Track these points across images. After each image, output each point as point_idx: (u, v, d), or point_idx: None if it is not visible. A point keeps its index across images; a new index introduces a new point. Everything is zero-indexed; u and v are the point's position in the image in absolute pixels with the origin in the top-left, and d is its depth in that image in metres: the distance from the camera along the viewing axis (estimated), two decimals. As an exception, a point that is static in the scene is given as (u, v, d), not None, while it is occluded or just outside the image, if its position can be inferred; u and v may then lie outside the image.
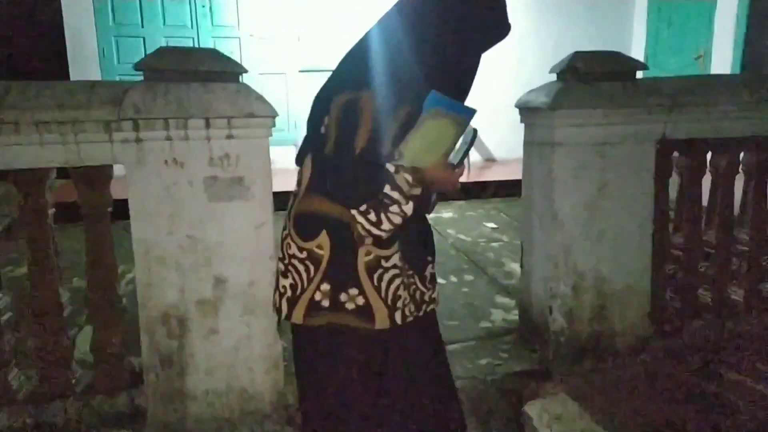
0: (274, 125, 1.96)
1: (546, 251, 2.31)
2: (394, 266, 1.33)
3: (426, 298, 1.42)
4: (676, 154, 2.44)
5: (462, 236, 4.37)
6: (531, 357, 2.41)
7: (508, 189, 5.89)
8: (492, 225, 4.70)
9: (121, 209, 1.94)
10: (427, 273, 1.44)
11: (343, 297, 1.30)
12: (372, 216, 1.23)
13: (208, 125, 1.86)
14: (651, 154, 2.30)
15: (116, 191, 1.96)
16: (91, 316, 1.98)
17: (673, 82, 2.33)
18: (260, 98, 1.92)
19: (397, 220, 1.25)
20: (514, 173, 6.51)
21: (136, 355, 2.01)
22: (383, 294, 1.31)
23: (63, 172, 1.91)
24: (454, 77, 1.35)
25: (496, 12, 1.34)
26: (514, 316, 2.81)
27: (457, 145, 1.34)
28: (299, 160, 1.46)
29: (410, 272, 1.38)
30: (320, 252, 1.31)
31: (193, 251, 1.93)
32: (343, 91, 1.29)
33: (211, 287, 1.96)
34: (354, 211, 1.24)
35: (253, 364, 2.02)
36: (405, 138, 1.23)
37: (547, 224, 2.28)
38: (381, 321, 1.32)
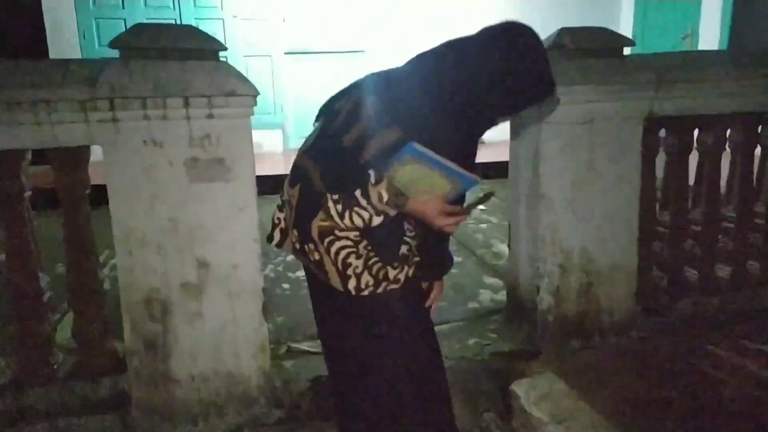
0: (255, 104, 1.91)
1: (533, 230, 2.29)
2: (347, 238, 1.35)
3: (390, 276, 1.38)
4: (663, 132, 2.43)
5: (450, 218, 4.35)
6: (519, 336, 2.41)
7: (497, 171, 5.86)
8: (480, 206, 4.69)
9: (105, 194, 1.89)
10: (399, 251, 1.41)
11: (306, 247, 1.39)
12: (339, 207, 1.30)
13: (186, 104, 1.82)
14: (638, 131, 2.28)
15: (99, 176, 1.91)
16: (71, 301, 1.94)
17: (661, 59, 2.31)
18: (240, 76, 1.87)
19: (359, 222, 1.30)
20: (503, 155, 6.50)
21: (119, 340, 1.98)
22: (332, 257, 1.36)
23: (43, 158, 1.87)
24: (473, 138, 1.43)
25: (545, 84, 1.36)
26: (502, 296, 2.80)
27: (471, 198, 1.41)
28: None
29: (368, 246, 1.36)
30: (293, 200, 1.42)
31: (175, 234, 1.89)
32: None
33: (194, 270, 1.93)
34: (328, 194, 1.31)
35: (238, 347, 2.00)
36: (401, 161, 1.26)
37: (534, 203, 2.26)
38: (334, 281, 1.38)
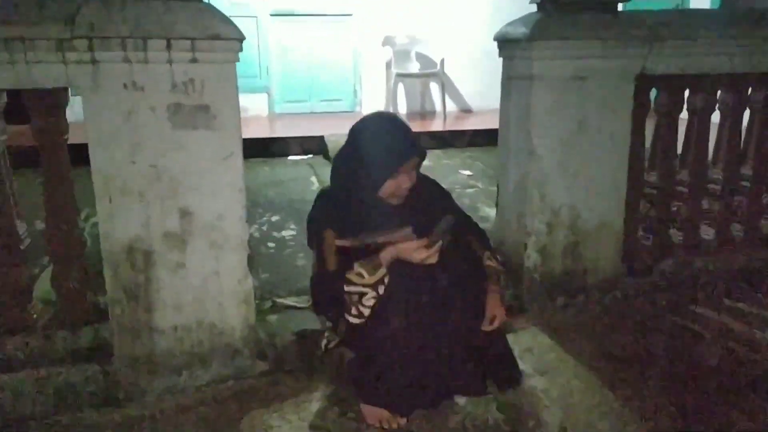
0: (241, 50, 1.85)
1: (522, 188, 2.28)
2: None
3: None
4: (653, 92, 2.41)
5: (437, 183, 4.34)
6: (504, 294, 2.41)
7: (483, 138, 5.85)
8: (467, 172, 4.68)
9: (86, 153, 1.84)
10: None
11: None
12: (354, 311, 1.65)
13: (169, 47, 1.75)
14: (630, 90, 2.26)
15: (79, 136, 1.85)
16: (50, 250, 1.90)
17: (656, 15, 2.28)
18: (225, 19, 1.80)
19: (372, 302, 1.64)
20: (489, 123, 6.47)
21: (101, 293, 1.94)
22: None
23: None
24: None
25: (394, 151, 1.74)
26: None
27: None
28: None
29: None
30: None
31: (158, 182, 1.84)
32: None
33: (177, 220, 1.88)
34: (346, 316, 1.67)
35: (223, 299, 1.98)
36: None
37: (524, 160, 2.25)
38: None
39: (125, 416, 1.84)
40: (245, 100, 6.30)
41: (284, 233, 3.14)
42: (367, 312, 1.64)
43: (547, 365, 1.99)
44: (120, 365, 1.92)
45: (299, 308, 2.28)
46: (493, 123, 6.37)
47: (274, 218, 3.40)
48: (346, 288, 1.64)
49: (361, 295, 1.64)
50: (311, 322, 2.12)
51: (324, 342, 1.87)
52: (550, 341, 2.13)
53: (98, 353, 1.93)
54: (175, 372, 1.96)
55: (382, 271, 1.65)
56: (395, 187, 1.72)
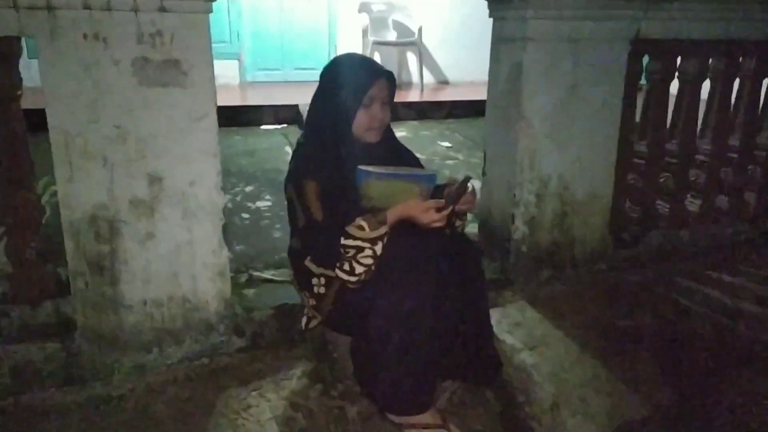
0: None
1: (511, 156, 2.19)
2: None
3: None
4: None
5: (417, 154, 4.22)
6: (491, 267, 2.33)
7: (462, 110, 5.76)
8: (446, 144, 4.58)
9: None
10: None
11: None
12: (345, 266, 1.52)
13: (134, -8, 1.58)
14: (624, 55, 2.18)
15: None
16: (4, 219, 1.73)
17: (652, -24, 2.18)
18: (197, -36, 1.64)
19: (368, 261, 1.50)
20: (468, 95, 6.38)
21: (61, 265, 1.79)
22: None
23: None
24: None
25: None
26: (472, 228, 2.72)
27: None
28: None
29: None
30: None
31: (123, 144, 1.68)
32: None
33: (145, 186, 1.74)
34: (336, 270, 1.54)
35: (196, 271, 1.84)
36: (362, 193, 1.55)
37: (514, 126, 2.15)
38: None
39: (90, 396, 1.71)
40: (215, 67, 6.04)
41: (259, 204, 3.00)
42: (360, 270, 1.50)
43: (536, 339, 1.93)
44: (83, 342, 1.78)
45: (277, 282, 2.16)
46: (471, 95, 6.28)
47: (248, 188, 3.25)
48: (343, 240, 1.50)
49: (358, 250, 1.50)
50: (290, 296, 2.01)
51: (304, 321, 1.76)
52: (538, 315, 2.07)
53: (60, 330, 1.79)
54: (144, 349, 1.84)
55: (384, 228, 1.50)
56: (368, 118, 1.60)
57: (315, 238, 1.59)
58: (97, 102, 1.64)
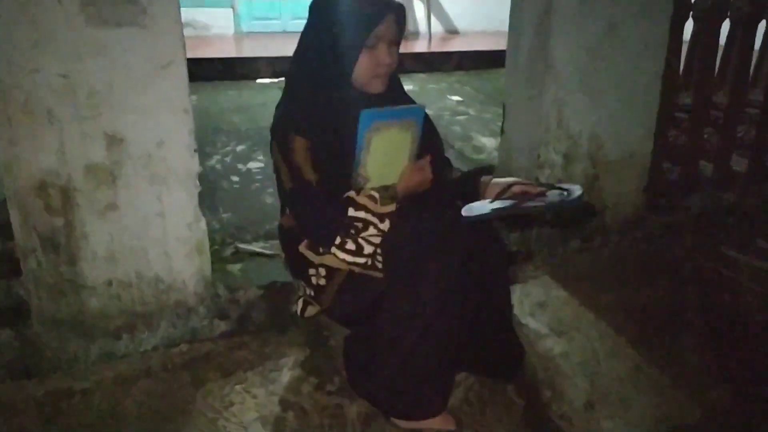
0: None
1: (535, 110, 1.88)
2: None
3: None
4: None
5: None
6: (510, 237, 2.06)
7: (471, 61, 5.37)
8: (457, 98, 4.24)
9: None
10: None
11: None
12: (350, 245, 1.28)
13: None
14: (670, -12, 1.84)
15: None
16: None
17: None
18: None
19: (377, 240, 1.27)
20: (477, 45, 5.96)
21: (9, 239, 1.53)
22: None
23: None
24: None
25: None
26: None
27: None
28: None
29: None
30: None
31: (72, 97, 1.40)
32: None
33: (103, 148, 1.46)
34: (334, 249, 1.29)
35: (168, 247, 1.59)
36: (360, 161, 1.27)
37: (540, 75, 1.84)
38: None
39: (50, 390, 1.48)
40: (207, 16, 5.66)
41: (251, 165, 2.72)
42: (369, 250, 1.28)
43: (564, 323, 1.68)
44: (41, 329, 1.54)
45: (267, 255, 1.90)
46: (482, 45, 5.87)
47: (240, 148, 2.96)
48: (352, 212, 1.26)
49: (365, 226, 1.26)
50: (281, 272, 1.76)
51: (299, 306, 1.50)
52: (565, 293, 1.81)
53: (12, 315, 1.55)
54: (112, 336, 1.60)
55: (395, 205, 1.28)
56: (373, 64, 1.29)
57: (309, 205, 1.32)
58: (38, 46, 1.35)
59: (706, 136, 2.19)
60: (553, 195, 1.27)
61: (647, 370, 1.49)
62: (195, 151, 1.56)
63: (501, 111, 2.10)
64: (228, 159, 2.80)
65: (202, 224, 1.62)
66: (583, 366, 1.51)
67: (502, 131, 2.11)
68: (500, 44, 5.75)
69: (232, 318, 1.71)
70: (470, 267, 1.32)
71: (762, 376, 1.47)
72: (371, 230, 1.27)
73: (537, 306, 1.75)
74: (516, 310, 1.72)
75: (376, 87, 1.33)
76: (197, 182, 1.58)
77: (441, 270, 1.25)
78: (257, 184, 2.48)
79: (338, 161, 1.31)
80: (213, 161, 2.75)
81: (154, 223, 1.55)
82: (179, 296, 1.64)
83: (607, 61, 1.84)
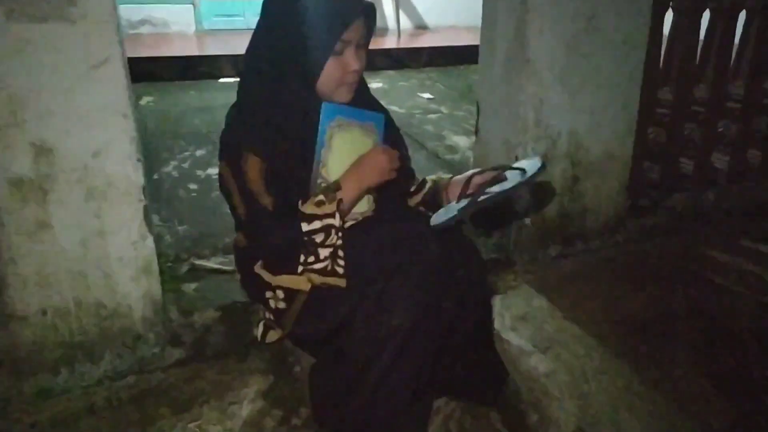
0: None
1: (512, 108, 1.76)
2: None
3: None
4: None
5: (395, 108, 3.76)
6: (487, 243, 1.94)
7: (442, 57, 5.26)
8: (427, 95, 4.11)
9: None
10: None
11: None
12: (310, 258, 1.14)
13: None
14: (650, -23, 1.74)
15: None
16: None
17: None
18: None
19: (334, 239, 1.13)
20: (448, 41, 5.85)
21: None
22: None
23: None
24: None
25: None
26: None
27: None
28: None
29: None
30: None
31: (-10, 103, 1.22)
32: None
33: (29, 159, 1.28)
34: (302, 271, 1.16)
35: (111, 269, 1.42)
36: (321, 159, 1.17)
37: (517, 71, 1.72)
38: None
39: (-25, 438, 1.30)
40: (166, 13, 5.42)
41: (211, 171, 2.55)
42: (325, 254, 1.14)
43: (548, 338, 1.56)
44: (-35, 367, 1.36)
45: (227, 272, 1.74)
46: (452, 41, 5.76)
47: (199, 152, 2.78)
48: (306, 227, 1.12)
49: (326, 232, 1.12)
50: (242, 291, 1.60)
51: (260, 330, 1.35)
52: (547, 304, 1.70)
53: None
54: (49, 371, 1.42)
55: (340, 193, 1.14)
56: (340, 70, 1.15)
57: (265, 233, 1.16)
58: (-55, 44, 1.17)
59: (686, 132, 2.11)
60: (513, 175, 1.16)
61: (639, 388, 1.38)
62: (138, 160, 1.39)
63: (474, 109, 1.98)
64: (186, 165, 2.62)
65: (149, 242, 1.45)
66: (571, 386, 1.39)
67: (477, 131, 1.99)
68: (470, 40, 5.68)
69: (187, 344, 1.55)
70: (444, 280, 1.20)
71: (759, 391, 1.38)
72: (332, 234, 1.13)
73: (519, 319, 1.64)
74: (497, 324, 1.60)
75: (343, 95, 1.18)
76: (142, 195, 1.41)
77: (412, 286, 1.13)
78: (217, 192, 2.30)
79: (298, 182, 1.17)
80: (170, 167, 2.57)
81: (93, 243, 1.38)
82: (125, 323, 1.47)
83: (587, 56, 1.73)
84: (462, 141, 3.03)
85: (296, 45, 1.12)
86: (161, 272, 1.67)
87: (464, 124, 3.34)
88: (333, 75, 1.14)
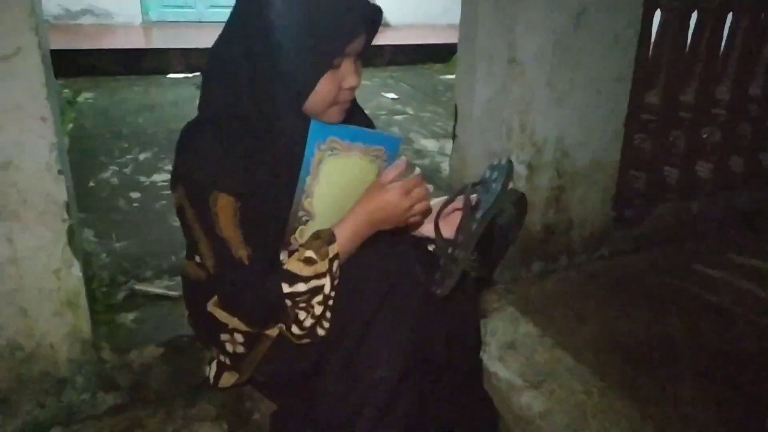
0: None
1: (495, 113, 1.60)
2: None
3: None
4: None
5: (357, 108, 3.57)
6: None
7: (405, 56, 5.09)
8: (392, 95, 3.93)
9: None
10: None
11: None
12: (302, 316, 0.94)
13: None
14: (641, -28, 1.60)
15: None
16: None
17: None
18: None
19: (319, 310, 0.93)
20: (411, 38, 5.68)
21: None
22: None
23: None
24: None
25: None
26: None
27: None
28: None
29: None
30: None
31: None
32: None
33: None
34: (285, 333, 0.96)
35: (27, 303, 1.18)
36: (305, 189, 0.95)
37: (501, 72, 1.55)
38: None
39: None
40: (109, 3, 5.04)
41: (156, 177, 2.29)
42: (309, 323, 0.94)
43: (540, 370, 1.40)
44: None
45: (172, 298, 1.51)
46: (415, 38, 5.58)
47: (143, 156, 2.52)
48: (288, 288, 0.91)
49: (313, 293, 0.92)
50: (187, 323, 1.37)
51: (213, 371, 1.14)
52: (535, 329, 1.54)
53: None
54: (-51, 429, 1.17)
55: (334, 249, 0.93)
56: (336, 87, 0.93)
57: (242, 291, 0.94)
58: None
59: (671, 139, 1.99)
60: (485, 196, 1.01)
61: (645, 430, 1.23)
62: (60, 172, 1.15)
63: (441, 111, 1.81)
64: (128, 170, 2.34)
65: (76, 269, 1.21)
66: (570, 429, 1.24)
67: (454, 136, 1.81)
68: (435, 38, 5.54)
69: (123, 388, 1.31)
70: (434, 314, 1.03)
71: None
72: (327, 288, 0.93)
73: (506, 348, 1.47)
74: (482, 354, 1.43)
75: (334, 116, 0.97)
76: (66, 214, 1.17)
77: (399, 324, 0.94)
78: (163, 202, 2.06)
79: (280, 224, 0.96)
80: (108, 173, 2.29)
81: (3, 273, 1.14)
82: (46, 366, 1.23)
83: (575, 55, 1.58)
84: (430, 144, 2.86)
85: (283, 54, 0.89)
86: (94, 300, 1.44)
87: (432, 126, 3.18)
88: (326, 93, 0.92)
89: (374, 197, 0.95)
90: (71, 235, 1.19)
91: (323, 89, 0.91)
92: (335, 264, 0.93)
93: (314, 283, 0.91)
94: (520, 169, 1.64)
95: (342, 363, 0.95)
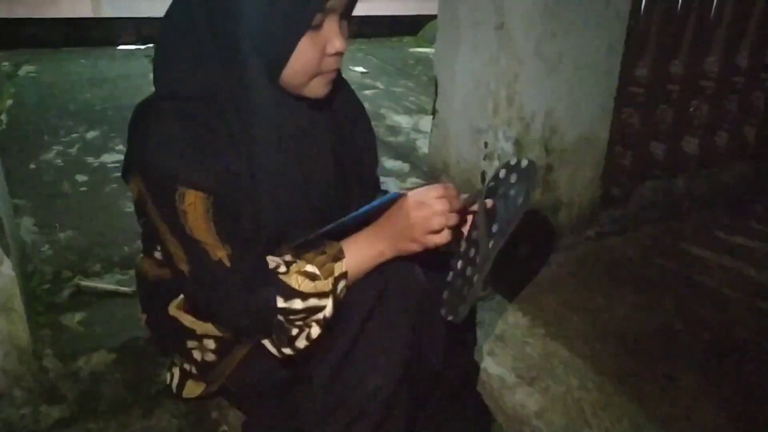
0: None
1: (481, 85, 1.47)
2: None
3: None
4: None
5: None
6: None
7: (372, 27, 4.90)
8: (361, 69, 3.76)
9: None
10: None
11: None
12: (294, 333, 0.80)
13: None
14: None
15: None
16: None
17: None
18: None
19: (316, 332, 0.80)
20: (378, 9, 5.48)
21: None
22: None
23: None
24: None
25: None
26: (411, 185, 2.01)
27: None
28: None
29: None
30: None
31: None
32: None
33: None
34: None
35: (-52, 309, 1.00)
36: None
37: (488, 40, 1.42)
38: None
39: None
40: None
41: (106, 158, 2.09)
42: (317, 334, 0.80)
43: (533, 364, 1.30)
44: None
45: (125, 295, 1.35)
46: (383, 9, 5.37)
47: (91, 134, 2.30)
48: (281, 303, 0.77)
49: (309, 313, 0.79)
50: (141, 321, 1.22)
51: (175, 379, 1.00)
52: (525, 319, 1.44)
53: None
54: None
55: (341, 267, 0.80)
56: (319, 52, 0.78)
57: (227, 297, 0.79)
58: None
59: (659, 112, 1.90)
60: (502, 205, 0.86)
61: (648, 428, 1.15)
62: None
63: (413, 85, 1.67)
64: (73, 150, 2.13)
65: (6, 268, 1.05)
66: (569, 429, 1.14)
67: (434, 111, 1.68)
68: (405, 9, 5.34)
69: (70, 399, 1.15)
70: (432, 315, 0.91)
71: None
72: (329, 308, 0.80)
73: (496, 341, 1.37)
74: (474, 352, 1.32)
75: (318, 89, 0.82)
76: (-8, 204, 1.00)
77: (395, 327, 0.83)
78: (114, 186, 1.87)
79: (259, 217, 0.81)
80: (52, 154, 2.08)
81: None
82: (-24, 381, 1.06)
83: (564, 23, 1.46)
84: (404, 121, 2.72)
85: (252, 13, 0.73)
86: (35, 298, 1.27)
87: (404, 101, 3.03)
88: (307, 59, 0.77)
89: (402, 214, 0.81)
90: (0, 230, 1.02)
91: (303, 55, 0.76)
92: (341, 285, 0.80)
93: (313, 302, 0.78)
94: (506, 147, 1.52)
95: (331, 371, 0.82)
